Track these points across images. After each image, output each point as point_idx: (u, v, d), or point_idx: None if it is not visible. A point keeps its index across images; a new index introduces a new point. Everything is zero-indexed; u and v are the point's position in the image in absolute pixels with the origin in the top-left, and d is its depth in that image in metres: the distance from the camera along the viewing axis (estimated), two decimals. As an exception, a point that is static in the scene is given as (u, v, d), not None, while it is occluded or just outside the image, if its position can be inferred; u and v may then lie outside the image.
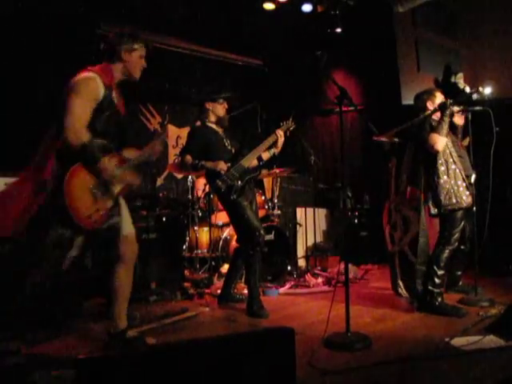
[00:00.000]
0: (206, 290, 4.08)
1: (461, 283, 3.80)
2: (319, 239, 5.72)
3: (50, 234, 2.31)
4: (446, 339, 2.52)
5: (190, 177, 4.87)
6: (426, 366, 2.22)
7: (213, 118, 3.63)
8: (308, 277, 4.65)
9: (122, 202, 2.58)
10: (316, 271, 5.00)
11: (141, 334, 2.65)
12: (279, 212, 4.90)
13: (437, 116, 3.33)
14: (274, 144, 3.58)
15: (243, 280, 4.05)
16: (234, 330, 2.98)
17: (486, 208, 3.43)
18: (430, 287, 3.21)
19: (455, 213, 3.23)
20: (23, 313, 2.73)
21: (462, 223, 3.28)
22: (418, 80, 5.83)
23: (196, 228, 4.74)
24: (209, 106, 3.61)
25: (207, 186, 4.52)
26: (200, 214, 4.79)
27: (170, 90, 5.81)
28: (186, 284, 4.21)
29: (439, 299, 3.18)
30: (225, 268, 4.36)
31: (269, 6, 5.57)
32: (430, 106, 3.43)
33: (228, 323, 3.16)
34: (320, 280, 4.60)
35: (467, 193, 3.27)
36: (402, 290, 3.75)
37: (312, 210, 5.46)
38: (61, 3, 4.48)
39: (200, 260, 4.69)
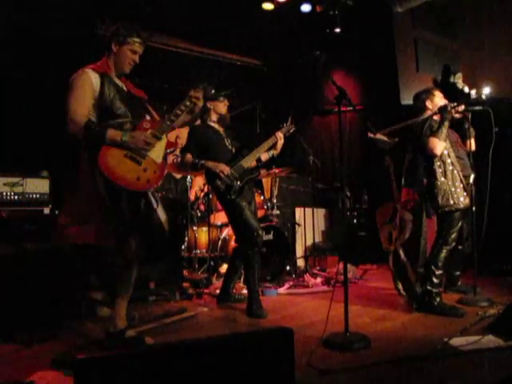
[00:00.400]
0: (205, 290, 4.08)
1: (460, 283, 3.81)
2: (318, 239, 5.72)
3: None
4: (445, 339, 2.52)
5: (188, 177, 4.87)
6: (425, 365, 2.22)
7: (214, 117, 3.63)
8: (307, 277, 4.65)
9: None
10: (315, 271, 5.01)
11: (140, 334, 2.65)
12: (278, 212, 4.90)
13: (438, 117, 3.33)
14: (274, 146, 3.58)
15: (242, 280, 4.06)
16: (233, 329, 2.98)
17: (484, 208, 3.44)
18: (428, 287, 3.22)
19: (452, 213, 3.24)
20: (22, 313, 2.74)
21: (460, 223, 3.28)
22: (417, 80, 5.84)
23: (195, 228, 4.74)
24: (210, 104, 3.61)
25: (206, 186, 4.52)
26: (199, 214, 4.79)
27: (169, 90, 5.80)
28: (185, 284, 4.21)
29: (438, 299, 3.19)
30: (224, 268, 4.36)
31: (268, 6, 5.58)
32: (429, 105, 3.43)
33: (227, 323, 3.16)
34: (319, 280, 4.61)
35: (464, 194, 3.27)
36: (401, 290, 3.76)
37: (311, 210, 5.47)
38: (61, 3, 4.48)
39: (199, 260, 4.69)
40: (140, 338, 2.57)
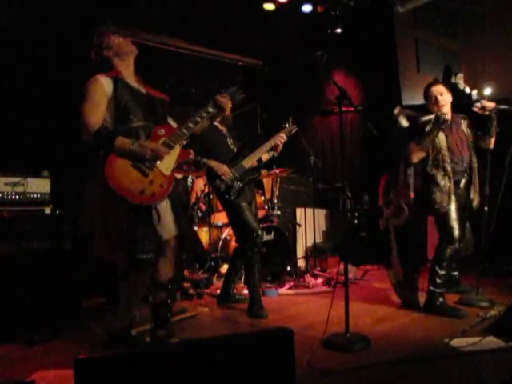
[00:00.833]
0: (206, 291, 4.08)
1: (461, 284, 3.79)
2: (319, 239, 5.72)
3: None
4: (446, 340, 2.52)
5: (189, 177, 4.87)
6: (426, 366, 2.22)
7: (218, 117, 3.62)
8: (307, 277, 4.65)
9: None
10: (315, 271, 5.00)
11: (143, 334, 2.64)
12: (279, 212, 4.90)
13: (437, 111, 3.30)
14: (275, 146, 3.59)
15: (243, 280, 4.05)
16: (234, 330, 2.98)
17: (491, 209, 3.42)
18: (431, 287, 3.22)
19: (445, 213, 3.22)
20: (23, 312, 2.75)
21: (458, 221, 3.23)
22: (418, 80, 5.83)
23: (196, 228, 4.74)
24: None
25: (206, 187, 4.52)
26: (200, 215, 4.79)
27: (169, 90, 5.80)
28: (186, 284, 4.21)
29: (440, 299, 3.18)
30: (224, 268, 4.36)
31: (269, 7, 5.58)
32: (429, 105, 3.39)
33: (227, 323, 3.16)
34: (319, 280, 4.61)
35: (452, 197, 3.24)
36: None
37: (311, 210, 5.46)
38: (61, 3, 4.48)
39: (199, 260, 4.68)
40: (143, 338, 2.55)
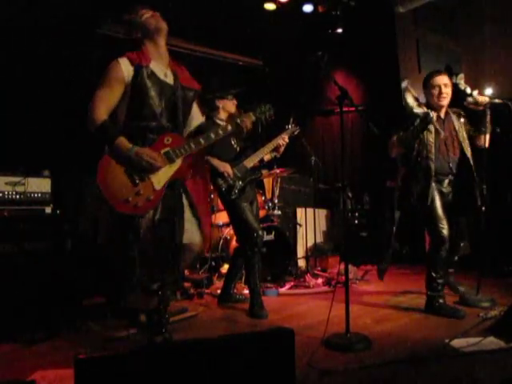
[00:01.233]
0: (206, 290, 4.08)
1: (452, 279, 3.67)
2: (319, 240, 5.72)
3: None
4: (446, 340, 2.51)
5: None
6: (426, 367, 2.21)
7: (223, 116, 3.62)
8: (308, 277, 4.65)
9: (186, 202, 2.47)
10: (316, 272, 5.00)
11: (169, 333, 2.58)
12: (279, 212, 4.89)
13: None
14: (277, 147, 3.59)
15: (243, 280, 4.05)
16: (234, 330, 2.98)
17: (487, 210, 3.40)
18: (429, 293, 3.20)
19: (429, 212, 3.17)
20: (24, 312, 2.75)
21: (445, 220, 3.16)
22: (419, 81, 5.82)
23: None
24: (219, 103, 3.61)
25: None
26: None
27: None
28: (186, 284, 4.21)
29: (440, 301, 3.17)
30: (225, 268, 4.36)
31: (270, 7, 5.58)
32: (427, 96, 3.30)
33: (228, 323, 3.16)
34: (320, 280, 4.60)
35: (435, 194, 3.17)
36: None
37: (312, 210, 5.46)
38: (62, 3, 4.48)
39: (200, 260, 4.68)
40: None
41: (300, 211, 5.59)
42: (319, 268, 5.19)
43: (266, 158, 3.64)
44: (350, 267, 4.04)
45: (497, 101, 3.25)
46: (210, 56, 6.35)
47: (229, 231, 4.65)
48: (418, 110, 3.24)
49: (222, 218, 4.67)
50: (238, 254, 3.72)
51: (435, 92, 3.26)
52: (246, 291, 3.72)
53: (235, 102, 3.67)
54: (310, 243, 5.50)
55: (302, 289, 4.36)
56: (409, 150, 3.23)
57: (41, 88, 4.32)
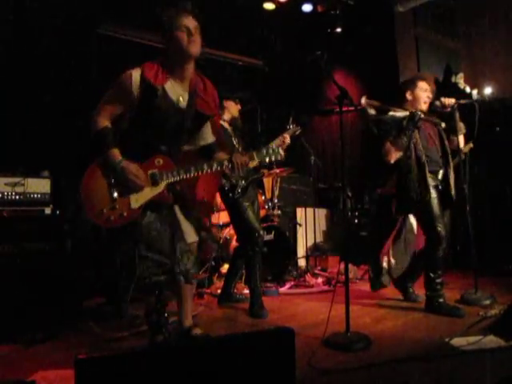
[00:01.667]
0: (206, 290, 4.09)
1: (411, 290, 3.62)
2: (319, 239, 5.72)
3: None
4: (446, 339, 2.51)
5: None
6: (426, 366, 2.21)
7: (226, 117, 3.62)
8: (308, 277, 4.65)
9: (178, 211, 2.44)
10: (316, 271, 5.01)
11: (206, 332, 2.59)
12: (279, 212, 4.89)
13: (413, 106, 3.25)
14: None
15: (243, 280, 4.05)
16: (234, 330, 2.98)
17: (484, 208, 3.41)
18: (428, 293, 3.21)
19: (426, 207, 3.16)
20: (24, 312, 2.75)
21: (441, 219, 3.17)
22: (419, 80, 5.82)
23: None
24: (226, 103, 3.62)
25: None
26: (200, 214, 4.78)
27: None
28: (186, 284, 4.20)
29: (440, 300, 3.16)
30: (225, 268, 4.36)
31: (269, 6, 5.58)
32: (409, 96, 3.33)
33: (228, 323, 3.16)
34: (320, 280, 4.61)
35: (431, 189, 3.17)
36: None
37: (312, 209, 5.46)
38: (62, 3, 4.48)
39: (200, 260, 4.68)
40: (206, 335, 2.53)
41: (300, 211, 5.59)
42: (319, 268, 5.19)
43: (267, 158, 3.63)
44: (350, 267, 4.04)
45: (463, 101, 3.29)
46: (210, 56, 6.34)
47: (229, 231, 4.64)
48: (400, 114, 3.26)
49: (222, 217, 4.67)
50: (238, 254, 3.72)
51: (420, 98, 3.29)
52: (246, 291, 3.72)
53: (239, 106, 3.68)
54: (310, 243, 5.50)
55: (302, 288, 4.36)
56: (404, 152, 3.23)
57: (40, 88, 4.31)
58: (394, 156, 3.19)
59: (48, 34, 4.49)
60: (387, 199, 3.46)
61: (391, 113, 3.28)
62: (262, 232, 3.42)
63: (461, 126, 3.38)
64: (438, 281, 3.18)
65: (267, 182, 5.39)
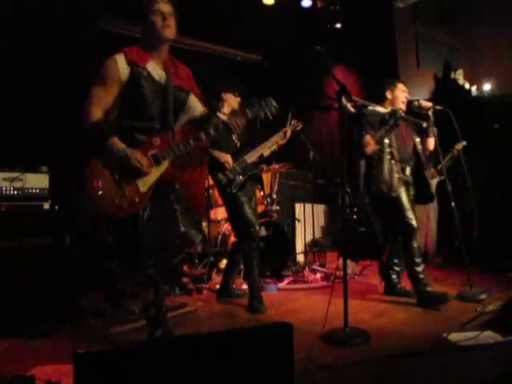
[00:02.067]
0: (205, 285, 4.09)
1: (399, 286, 3.68)
2: (318, 235, 5.73)
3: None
4: (444, 334, 2.53)
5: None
6: (424, 361, 2.23)
7: (226, 110, 3.61)
8: (307, 272, 4.66)
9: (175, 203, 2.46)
10: (314, 267, 5.01)
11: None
12: (278, 207, 4.90)
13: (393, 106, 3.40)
14: (277, 142, 3.61)
15: (242, 275, 4.06)
16: (233, 325, 2.99)
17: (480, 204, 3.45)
18: (414, 284, 3.32)
19: (396, 199, 3.31)
20: (23, 307, 2.75)
21: (412, 211, 3.32)
22: (418, 76, 5.83)
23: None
24: (225, 96, 3.61)
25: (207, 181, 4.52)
26: (199, 210, 4.78)
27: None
28: (185, 279, 4.22)
29: (427, 289, 3.26)
30: (223, 263, 4.37)
31: (268, 1, 5.56)
32: (389, 95, 3.50)
33: (226, 318, 3.17)
34: (318, 275, 4.61)
35: (400, 184, 3.34)
36: None
37: (311, 205, 5.47)
38: (61, 2, 4.46)
39: (199, 255, 4.69)
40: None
41: (298, 206, 5.59)
42: (318, 263, 5.20)
43: (266, 153, 3.64)
44: (349, 262, 4.04)
45: (438, 107, 3.46)
46: (209, 51, 6.32)
47: (227, 227, 4.65)
48: (380, 109, 3.44)
49: (220, 213, 4.67)
50: (236, 249, 3.72)
51: (401, 99, 3.48)
52: (245, 286, 3.73)
53: (239, 99, 3.67)
54: (309, 238, 5.51)
55: (300, 284, 4.37)
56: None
57: (39, 84, 4.30)
58: (372, 148, 3.34)
59: (48, 31, 4.47)
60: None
61: (371, 108, 3.44)
62: (257, 227, 3.43)
63: (434, 129, 3.57)
64: (419, 269, 3.28)
65: (266, 177, 5.39)
